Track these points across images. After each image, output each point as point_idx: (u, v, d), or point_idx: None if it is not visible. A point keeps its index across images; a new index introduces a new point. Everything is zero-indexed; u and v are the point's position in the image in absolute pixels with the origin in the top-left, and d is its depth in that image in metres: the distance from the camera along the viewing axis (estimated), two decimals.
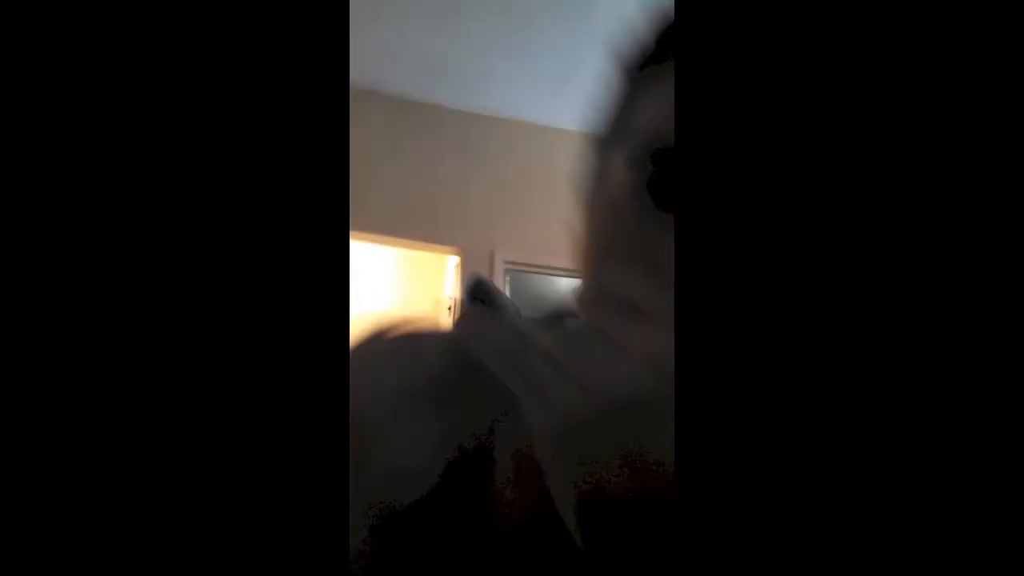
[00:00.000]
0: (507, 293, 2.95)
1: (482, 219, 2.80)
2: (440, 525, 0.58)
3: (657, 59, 0.55)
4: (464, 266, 2.79)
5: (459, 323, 0.58)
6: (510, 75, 2.65)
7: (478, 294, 0.60)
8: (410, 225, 2.66)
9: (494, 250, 2.83)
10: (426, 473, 0.55)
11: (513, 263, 2.86)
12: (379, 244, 2.91)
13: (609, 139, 0.56)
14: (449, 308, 2.99)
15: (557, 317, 0.57)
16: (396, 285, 3.59)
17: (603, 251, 0.55)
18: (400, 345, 0.58)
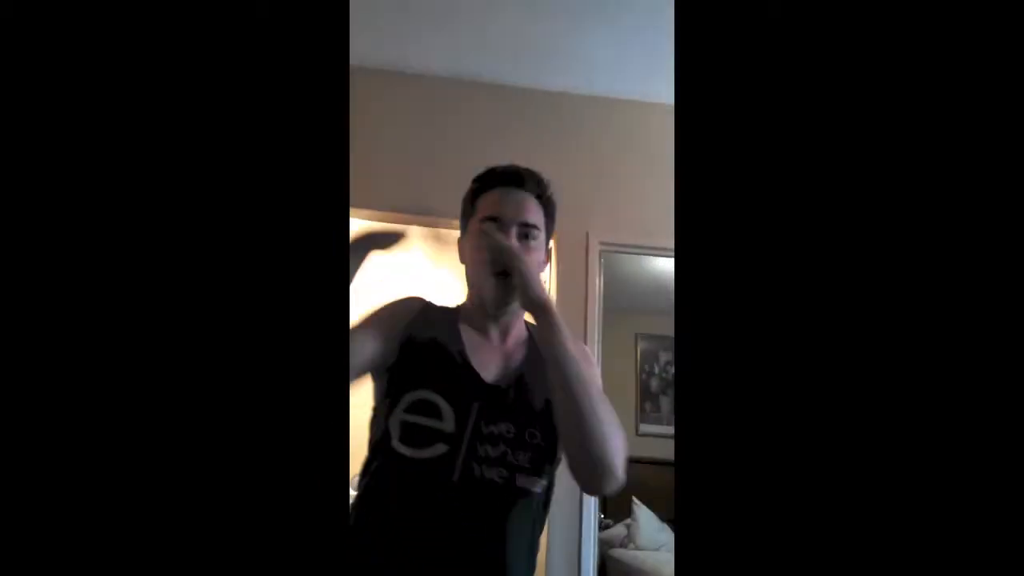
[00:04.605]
0: (601, 275, 2.92)
1: (576, 201, 2.78)
2: None
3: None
4: (559, 249, 2.78)
5: None
6: (600, 52, 2.62)
7: None
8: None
9: (589, 232, 2.81)
10: None
11: (608, 244, 2.82)
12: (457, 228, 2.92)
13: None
14: None
15: None
16: None
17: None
18: None
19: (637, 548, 4.02)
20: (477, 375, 1.02)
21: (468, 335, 1.07)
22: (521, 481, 0.99)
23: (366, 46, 2.60)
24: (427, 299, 1.12)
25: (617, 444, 0.91)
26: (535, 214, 1.06)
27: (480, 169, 1.12)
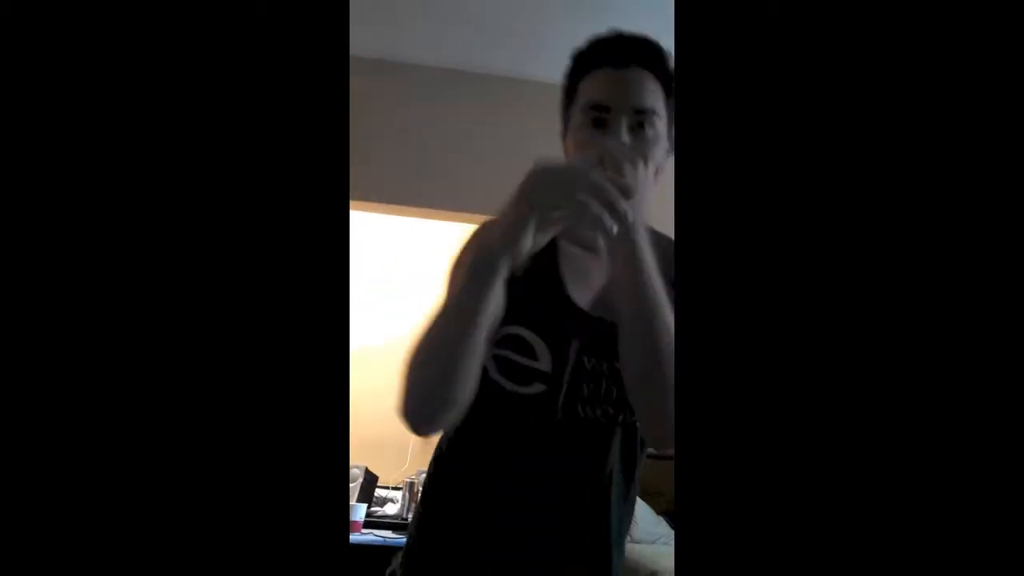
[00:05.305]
0: None
1: None
2: None
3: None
4: None
5: None
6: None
7: None
8: (495, 199, 2.63)
9: None
10: None
11: None
12: (459, 221, 2.93)
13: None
14: None
15: None
16: None
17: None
18: None
19: (634, 541, 4.03)
20: (576, 308, 0.88)
21: (569, 256, 0.91)
22: (627, 418, 0.88)
23: (366, 36, 2.59)
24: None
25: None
26: (652, 96, 0.84)
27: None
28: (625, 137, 0.83)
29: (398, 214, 2.89)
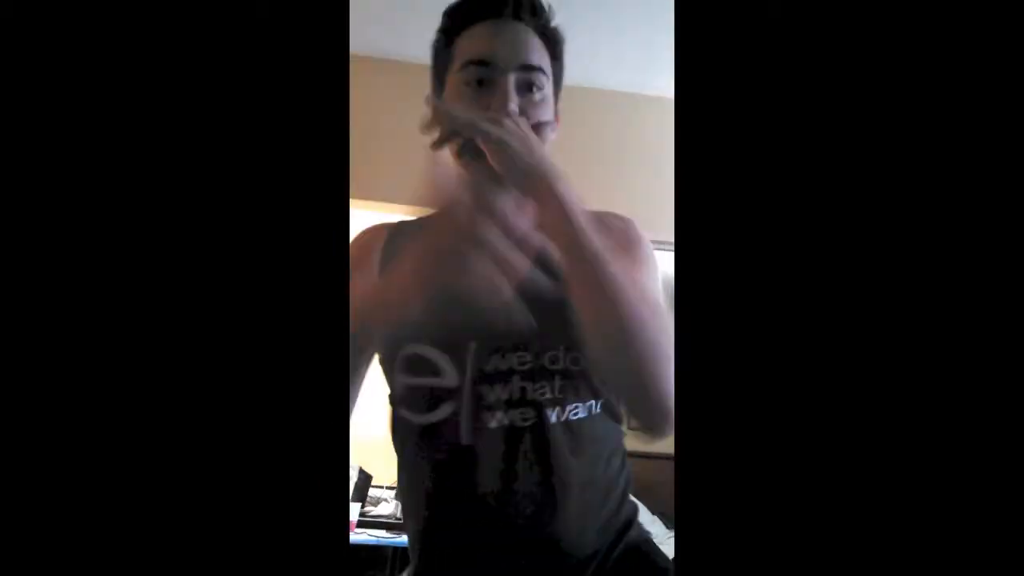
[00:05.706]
0: None
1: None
2: None
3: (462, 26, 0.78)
4: None
5: None
6: (597, 44, 2.61)
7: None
8: None
9: None
10: None
11: None
12: None
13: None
14: None
15: None
16: None
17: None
18: None
19: None
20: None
21: None
22: (555, 415, 0.76)
23: (364, 34, 2.58)
24: (395, 222, 0.88)
25: (669, 379, 0.63)
26: (538, 53, 0.76)
27: None
28: (513, 98, 0.73)
29: (397, 212, 2.89)
